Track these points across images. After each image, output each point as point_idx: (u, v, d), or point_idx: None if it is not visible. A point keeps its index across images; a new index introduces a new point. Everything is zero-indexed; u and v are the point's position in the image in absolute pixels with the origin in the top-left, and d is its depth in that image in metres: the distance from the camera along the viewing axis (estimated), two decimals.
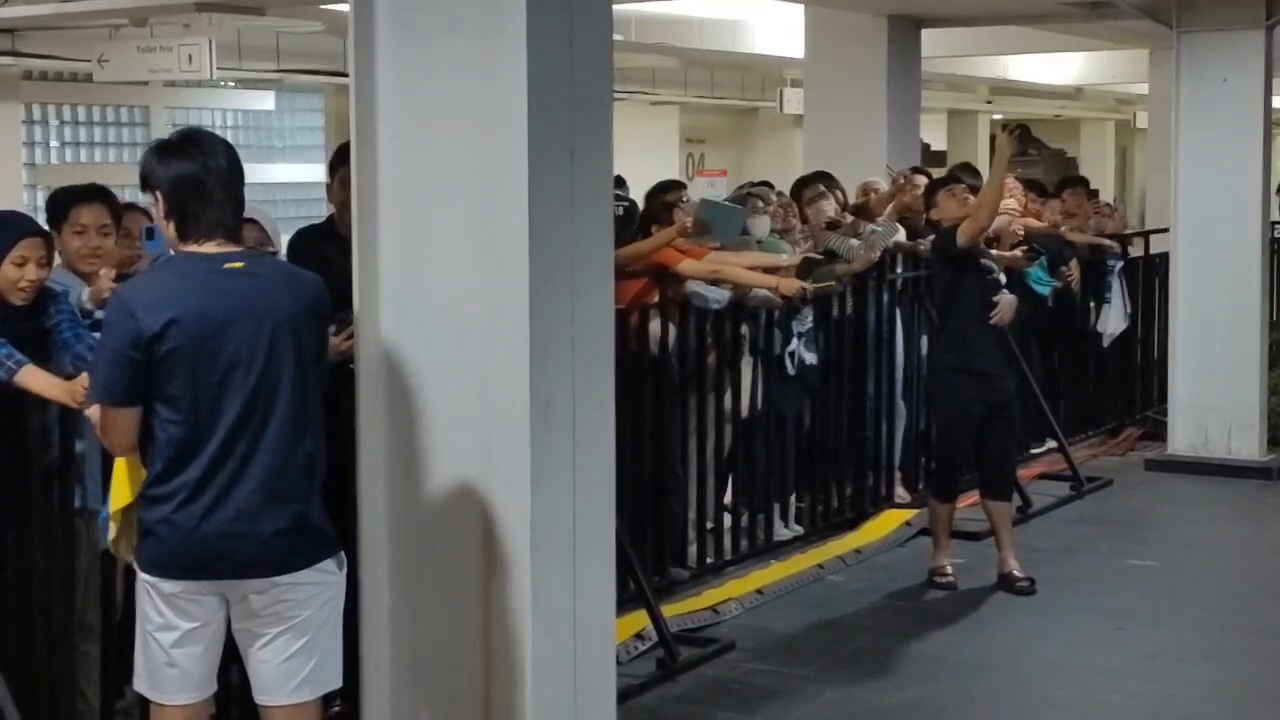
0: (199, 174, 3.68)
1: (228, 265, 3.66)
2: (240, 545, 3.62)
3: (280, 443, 3.65)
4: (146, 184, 3.77)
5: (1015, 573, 6.92)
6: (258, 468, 3.62)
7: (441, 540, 4.18)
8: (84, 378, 4.23)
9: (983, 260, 6.95)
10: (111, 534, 3.76)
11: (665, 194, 7.41)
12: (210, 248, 3.69)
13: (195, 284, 3.63)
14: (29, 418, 4.27)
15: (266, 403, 3.64)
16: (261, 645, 3.72)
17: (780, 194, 8.14)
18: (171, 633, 3.68)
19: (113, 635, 4.44)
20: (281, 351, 3.65)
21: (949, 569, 7.03)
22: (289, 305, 3.69)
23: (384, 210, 4.17)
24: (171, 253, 3.82)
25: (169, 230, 3.74)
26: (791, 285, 6.97)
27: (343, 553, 3.83)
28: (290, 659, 3.72)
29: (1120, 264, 10.23)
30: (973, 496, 7.48)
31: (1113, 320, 10.14)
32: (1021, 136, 6.88)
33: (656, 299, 6.66)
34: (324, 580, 3.74)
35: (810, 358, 7.37)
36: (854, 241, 7.90)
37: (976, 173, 10.38)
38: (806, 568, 7.18)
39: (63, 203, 4.75)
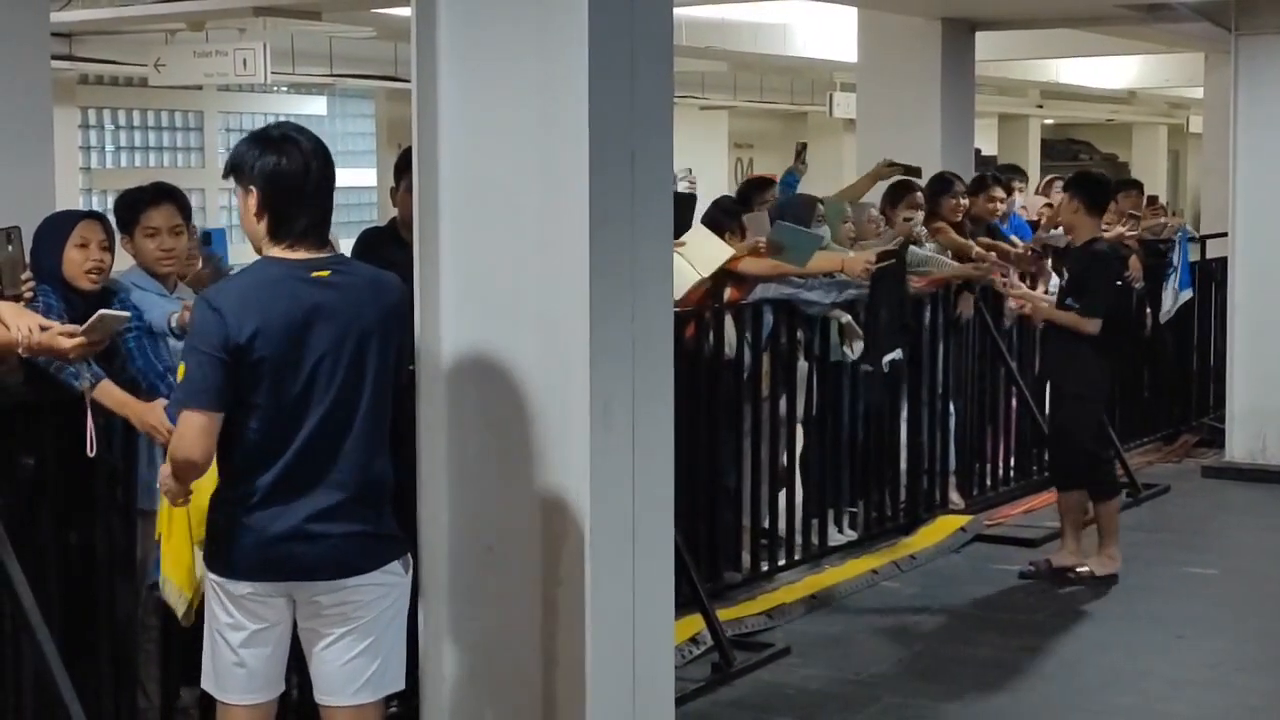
0: (300, 176, 3.59)
1: (315, 274, 3.59)
2: (312, 548, 3.60)
3: (359, 450, 3.63)
4: (239, 175, 3.63)
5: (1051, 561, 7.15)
6: (336, 474, 3.60)
7: (501, 542, 4.18)
8: (158, 404, 4.23)
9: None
10: (176, 603, 3.78)
11: (763, 193, 7.62)
12: (300, 253, 3.61)
13: (281, 292, 3.56)
14: (95, 417, 4.29)
15: (347, 411, 3.61)
16: (326, 645, 3.70)
17: (870, 206, 8.12)
18: (240, 633, 3.67)
19: (173, 634, 4.46)
20: (364, 360, 3.61)
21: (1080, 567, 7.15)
22: (373, 313, 3.64)
23: (445, 212, 4.17)
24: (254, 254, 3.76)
25: (259, 227, 3.62)
26: (856, 264, 6.94)
27: (409, 554, 3.82)
28: (353, 660, 3.70)
29: (1184, 234, 10.00)
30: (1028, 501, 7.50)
31: (1167, 296, 9.90)
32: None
33: (713, 304, 6.67)
34: (390, 582, 3.72)
35: (898, 355, 7.35)
36: (922, 252, 7.86)
37: (1021, 171, 10.39)
38: (861, 573, 7.15)
39: (131, 207, 4.77)
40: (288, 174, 3.59)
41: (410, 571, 3.81)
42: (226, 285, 3.72)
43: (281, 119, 16.78)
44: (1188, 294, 9.97)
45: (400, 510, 4.34)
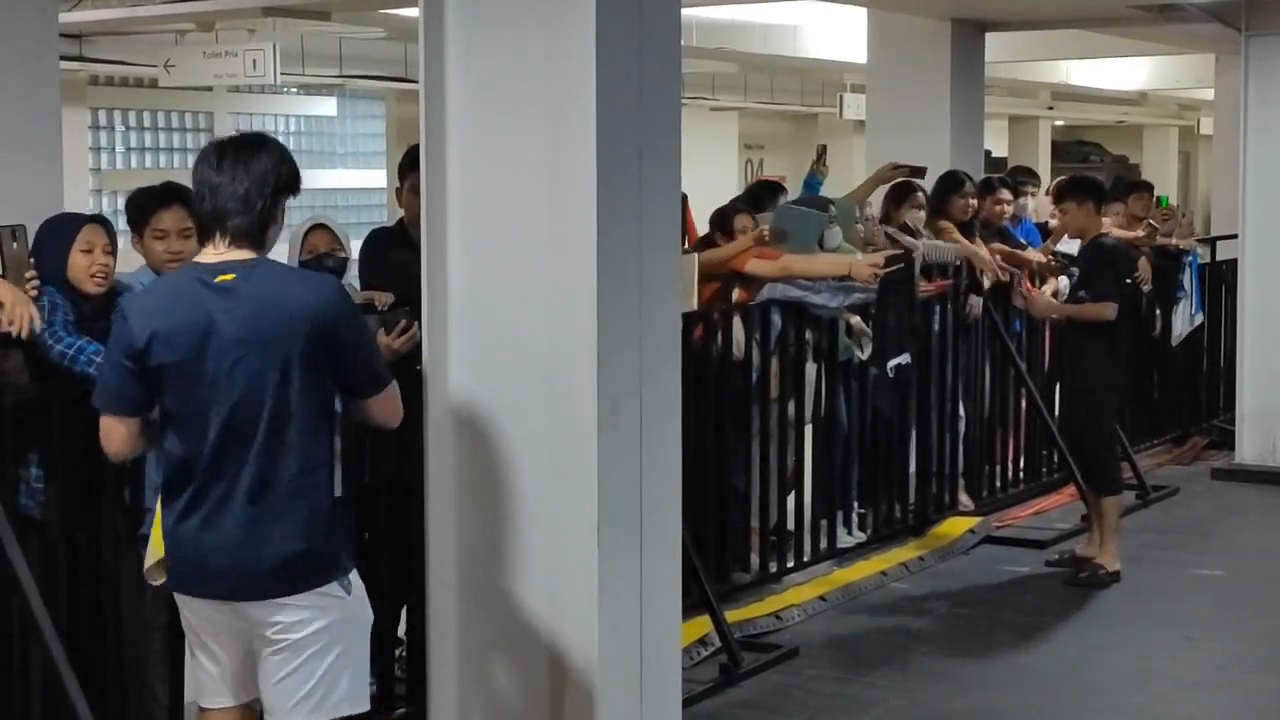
0: (202, 184, 3.58)
1: (219, 278, 3.54)
2: (230, 565, 3.54)
3: (264, 465, 3.51)
4: None
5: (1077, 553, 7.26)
6: (243, 489, 3.51)
7: (508, 541, 4.19)
8: None
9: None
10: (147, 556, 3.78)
11: (775, 198, 7.54)
12: (210, 255, 3.59)
13: (181, 297, 3.55)
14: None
15: (247, 423, 3.50)
16: (261, 661, 3.62)
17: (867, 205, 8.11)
18: (194, 637, 3.70)
19: (181, 633, 4.45)
20: (260, 372, 3.49)
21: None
22: (275, 320, 3.50)
23: (453, 212, 4.18)
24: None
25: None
26: (864, 270, 6.91)
27: (351, 576, 3.64)
28: (285, 680, 3.59)
29: (1193, 257, 10.03)
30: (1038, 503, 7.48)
31: (1179, 320, 9.92)
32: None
33: (722, 305, 6.68)
34: (324, 603, 3.58)
35: (905, 359, 7.35)
36: (945, 245, 7.86)
37: (1034, 174, 10.36)
38: (870, 574, 7.14)
39: (142, 207, 4.77)
40: (196, 183, 3.63)
41: (353, 592, 3.64)
42: (140, 291, 3.80)
43: (291, 120, 16.71)
44: (1200, 318, 9.98)
45: (403, 510, 4.35)
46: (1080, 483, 7.46)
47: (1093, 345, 7.04)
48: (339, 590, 3.61)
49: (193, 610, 3.67)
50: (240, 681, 3.72)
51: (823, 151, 8.43)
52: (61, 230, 4.53)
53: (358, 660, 3.69)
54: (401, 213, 5.86)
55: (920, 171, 8.11)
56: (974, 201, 8.33)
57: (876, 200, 8.14)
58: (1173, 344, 9.91)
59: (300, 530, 3.54)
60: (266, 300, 3.52)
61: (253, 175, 3.58)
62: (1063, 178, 8.10)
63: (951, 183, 8.34)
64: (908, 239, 7.79)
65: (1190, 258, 9.85)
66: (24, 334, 4.14)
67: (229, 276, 3.53)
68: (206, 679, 3.73)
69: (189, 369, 3.51)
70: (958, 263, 7.98)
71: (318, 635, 3.57)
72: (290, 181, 3.66)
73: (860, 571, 7.17)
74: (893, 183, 8.12)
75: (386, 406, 3.76)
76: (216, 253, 3.58)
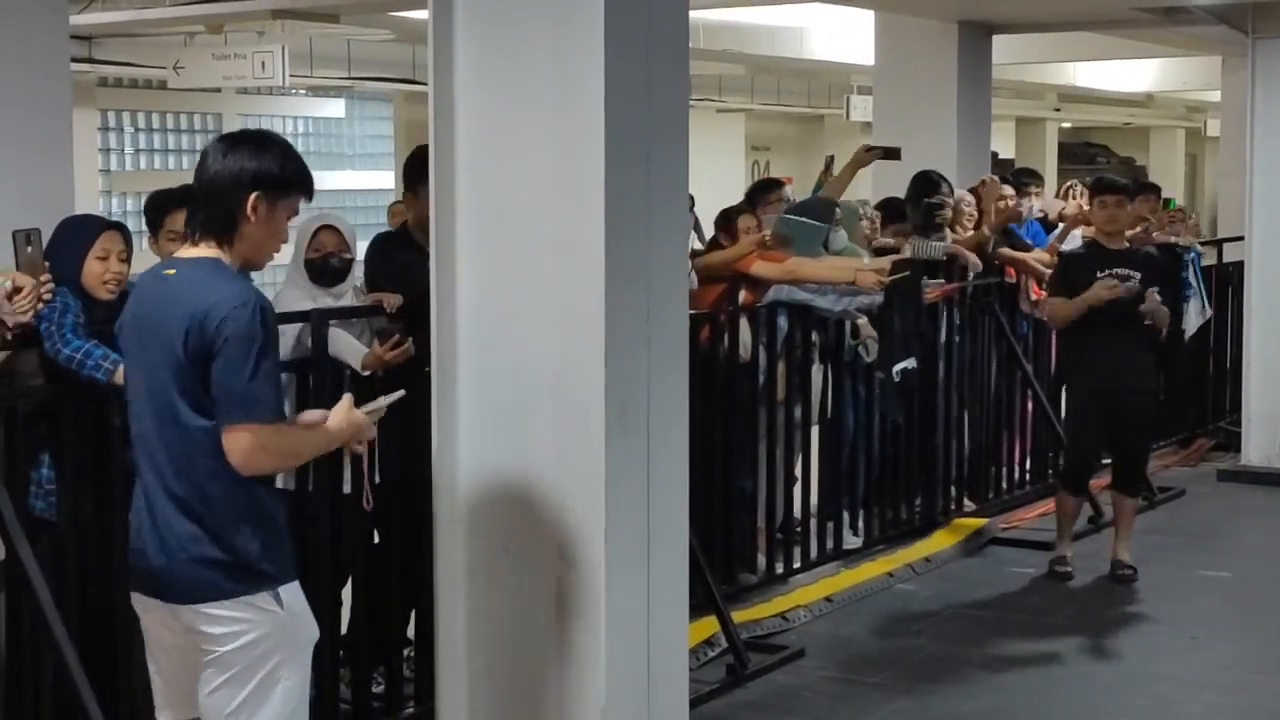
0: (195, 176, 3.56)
1: (165, 271, 3.54)
2: (153, 563, 3.48)
3: (174, 462, 3.43)
4: None
5: (1122, 559, 7.19)
6: (161, 487, 3.45)
7: (516, 543, 4.20)
8: None
9: (1099, 275, 6.99)
10: None
11: (769, 193, 7.49)
12: (181, 250, 3.60)
13: (140, 287, 3.65)
14: (112, 418, 4.32)
15: (156, 418, 3.45)
16: (200, 672, 3.50)
17: (865, 203, 8.12)
18: (146, 639, 3.63)
19: None
20: (158, 365, 3.42)
21: (1068, 558, 7.27)
22: (169, 317, 3.41)
23: (462, 214, 4.19)
24: None
25: None
26: (869, 278, 6.92)
27: (284, 590, 3.48)
28: (214, 693, 3.47)
29: (1195, 254, 10.02)
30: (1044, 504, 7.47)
31: (1192, 316, 9.91)
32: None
33: (728, 307, 6.69)
34: (253, 615, 3.44)
35: (911, 363, 7.36)
36: (934, 244, 7.87)
37: (1038, 175, 10.37)
38: (876, 575, 7.15)
39: (159, 208, 4.80)
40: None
41: (287, 606, 3.48)
42: None
43: (300, 121, 16.65)
44: (1209, 311, 9.99)
45: (414, 511, 4.35)
46: (1123, 484, 7.32)
47: (1146, 349, 7.04)
48: (270, 603, 3.45)
49: (140, 607, 3.58)
50: (186, 694, 3.55)
51: (830, 161, 8.50)
52: (78, 233, 4.55)
53: (295, 678, 3.52)
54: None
55: (895, 152, 7.93)
56: (948, 211, 8.24)
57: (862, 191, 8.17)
58: (1186, 338, 9.90)
59: (211, 535, 3.42)
60: (178, 295, 3.43)
61: (220, 171, 3.47)
62: (1122, 177, 8.02)
63: (925, 187, 8.08)
64: (892, 241, 7.81)
65: (1191, 254, 9.86)
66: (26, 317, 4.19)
67: (171, 271, 3.52)
68: (156, 688, 3.64)
69: (135, 360, 3.55)
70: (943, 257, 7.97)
71: (247, 649, 3.44)
72: (269, 179, 3.46)
73: (866, 573, 7.18)
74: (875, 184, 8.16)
75: (234, 443, 3.38)
76: (185, 247, 3.56)
